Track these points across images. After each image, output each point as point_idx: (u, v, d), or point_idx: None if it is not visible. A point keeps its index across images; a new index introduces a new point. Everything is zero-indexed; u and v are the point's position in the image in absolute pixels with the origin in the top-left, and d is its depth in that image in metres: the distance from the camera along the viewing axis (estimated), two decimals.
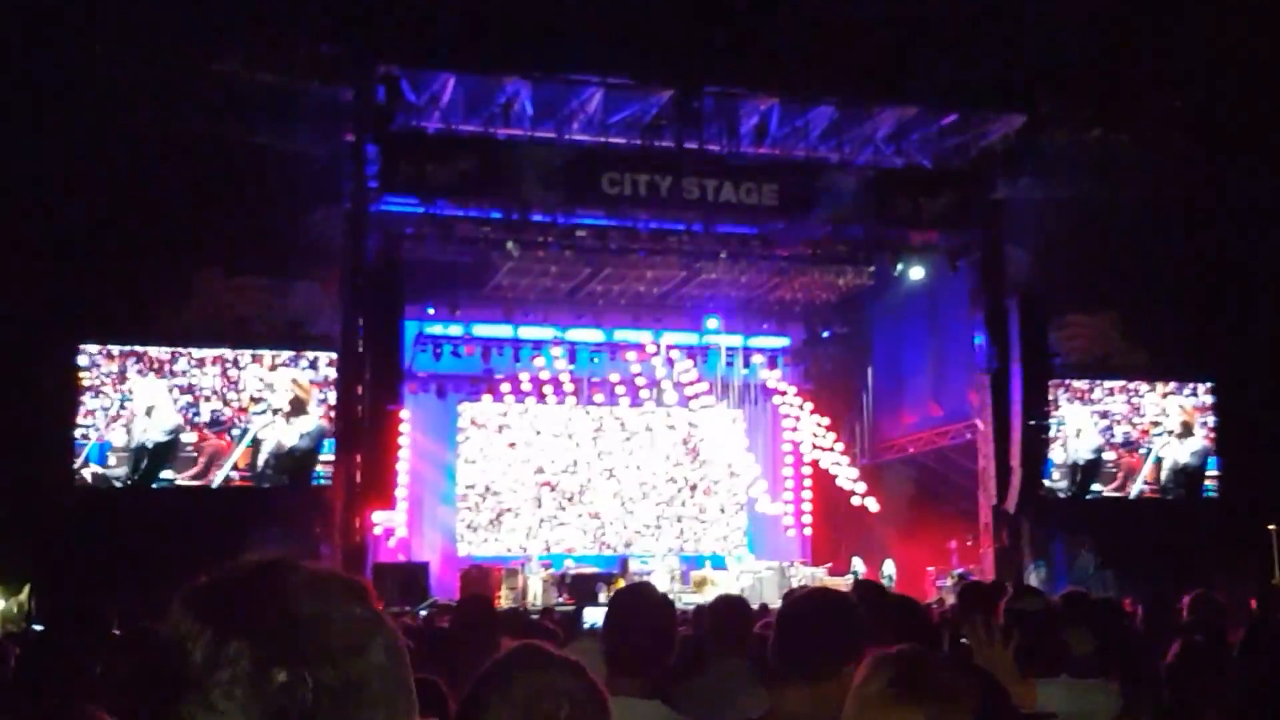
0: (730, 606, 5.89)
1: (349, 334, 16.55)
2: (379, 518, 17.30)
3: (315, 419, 16.84)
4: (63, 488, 15.74)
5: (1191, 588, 7.34)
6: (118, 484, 16.06)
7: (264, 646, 1.24)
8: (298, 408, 16.85)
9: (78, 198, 14.94)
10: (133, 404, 16.32)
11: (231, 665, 1.23)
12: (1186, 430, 19.49)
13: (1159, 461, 19.38)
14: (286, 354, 16.85)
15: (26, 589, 15.07)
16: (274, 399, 16.76)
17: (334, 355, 16.75)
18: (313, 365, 16.93)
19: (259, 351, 16.83)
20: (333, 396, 16.73)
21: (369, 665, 1.29)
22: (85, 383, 16.16)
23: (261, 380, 16.80)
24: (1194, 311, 18.68)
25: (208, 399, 16.60)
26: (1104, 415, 19.36)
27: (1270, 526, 16.90)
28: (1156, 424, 19.44)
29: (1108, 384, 19.37)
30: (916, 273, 19.58)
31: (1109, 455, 19.31)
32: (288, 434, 16.76)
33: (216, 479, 16.46)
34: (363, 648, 1.29)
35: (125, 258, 15.52)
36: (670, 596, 14.47)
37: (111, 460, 16.13)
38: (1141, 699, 4.43)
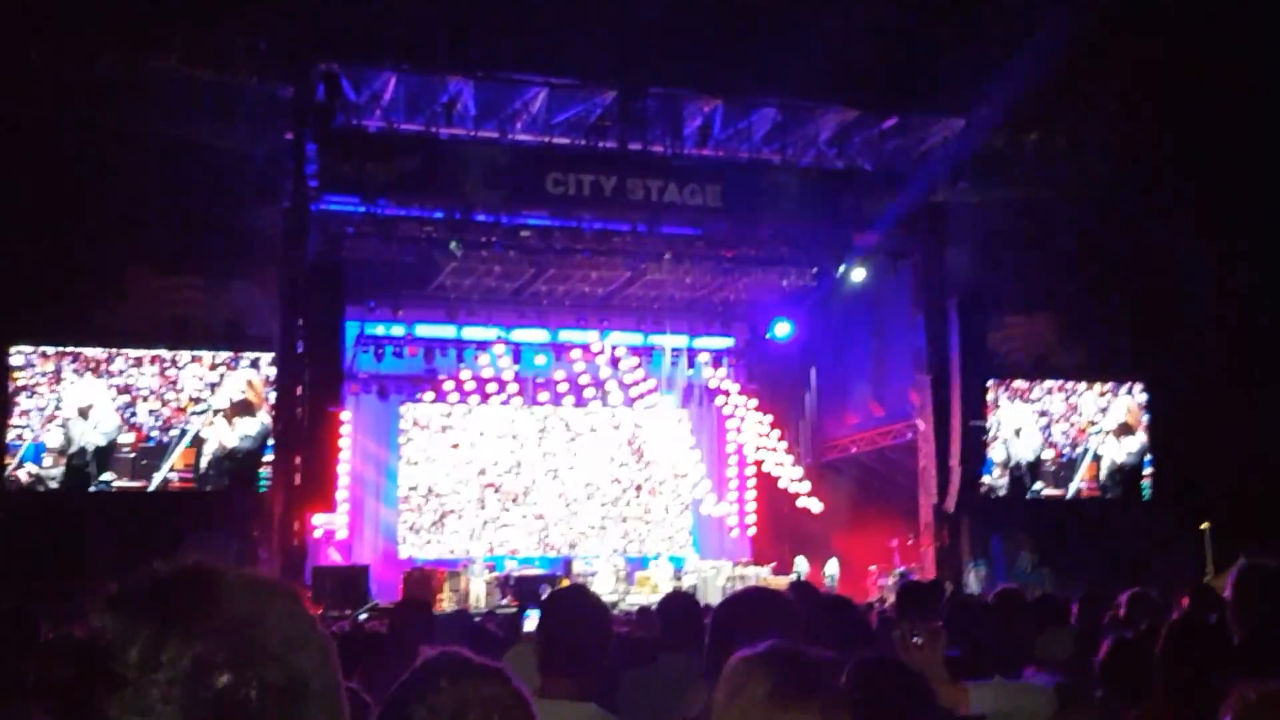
0: (680, 602, 5.89)
1: (288, 334, 16.38)
2: (319, 520, 17.17)
3: (260, 420, 16.65)
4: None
5: (1127, 586, 7.40)
6: (53, 485, 15.74)
7: (204, 646, 1.21)
8: (243, 409, 16.67)
9: (8, 195, 14.61)
10: (67, 405, 16.01)
11: (170, 666, 1.20)
12: (1126, 429, 19.76)
13: (1097, 460, 19.63)
14: (226, 354, 16.64)
15: None
16: (214, 399, 16.54)
17: (272, 355, 16.55)
18: (254, 365, 16.72)
19: (198, 352, 16.60)
20: (274, 397, 16.53)
21: (309, 663, 1.28)
22: (20, 382, 15.84)
23: (201, 380, 16.58)
24: (1128, 313, 19.00)
25: (145, 399, 16.33)
26: (1043, 414, 19.58)
27: (1203, 525, 17.14)
28: (1094, 423, 19.68)
29: (1046, 383, 19.62)
30: (858, 274, 19.71)
31: (1048, 454, 19.53)
32: (229, 435, 16.56)
33: (155, 481, 16.18)
34: (302, 646, 1.28)
35: (58, 257, 15.24)
36: (614, 597, 14.55)
37: (47, 461, 15.82)
38: (1076, 698, 4.42)
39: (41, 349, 16.02)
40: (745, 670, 2.36)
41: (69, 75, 14.78)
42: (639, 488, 23.65)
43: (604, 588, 18.97)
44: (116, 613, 1.25)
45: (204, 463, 16.43)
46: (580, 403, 22.96)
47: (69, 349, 16.10)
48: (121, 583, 1.29)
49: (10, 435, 15.68)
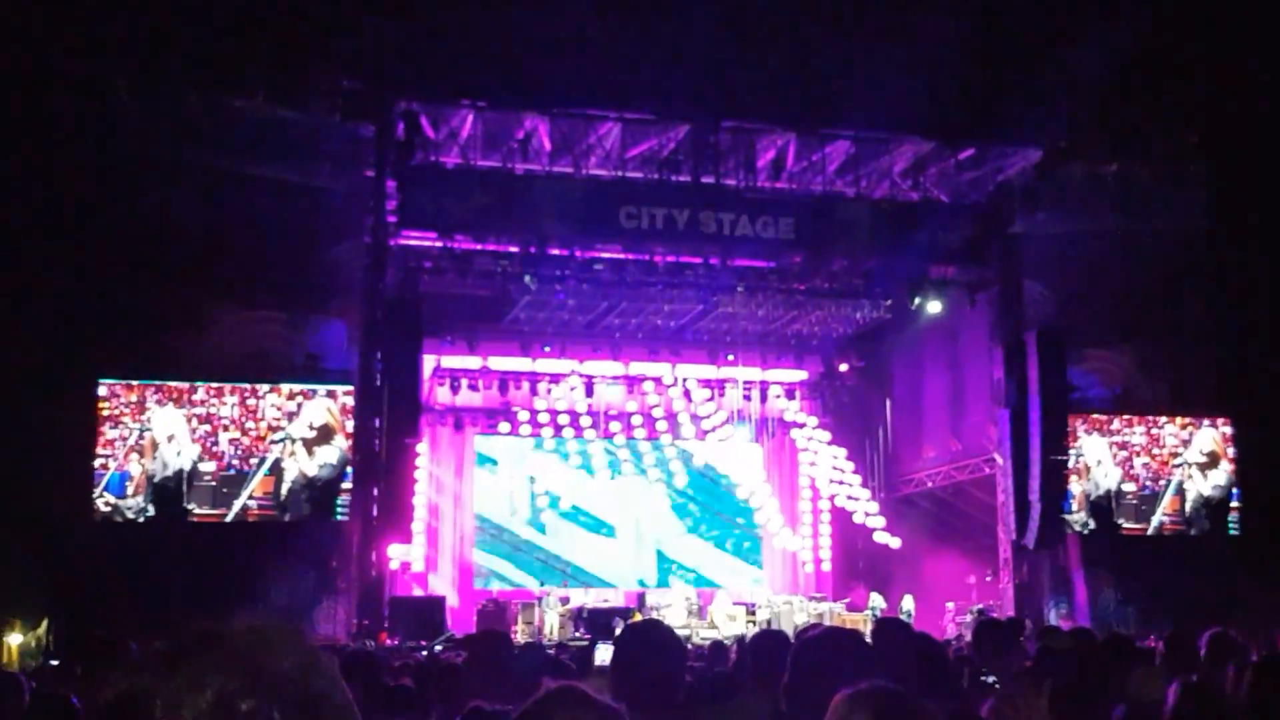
0: (770, 640, 5.79)
1: (367, 367, 16.57)
2: (395, 552, 17.21)
3: (338, 449, 16.88)
4: (81, 521, 15.72)
5: (1213, 625, 7.17)
6: (133, 515, 16.05)
7: (221, 682, 1.32)
8: (323, 437, 16.93)
9: (99, 233, 14.99)
10: (151, 433, 16.34)
11: (192, 704, 1.31)
12: (1212, 462, 19.32)
13: (1181, 494, 19.23)
14: (305, 386, 16.91)
15: (45, 623, 15.01)
16: (293, 428, 16.81)
17: (351, 388, 16.76)
18: (330, 395, 16.97)
19: (278, 384, 16.88)
20: (352, 428, 16.74)
21: (322, 682, 1.39)
22: (105, 412, 16.20)
23: (280, 409, 16.88)
24: (1211, 345, 18.59)
25: (225, 428, 16.62)
26: (1123, 447, 19.24)
27: None
28: (1176, 455, 19.29)
29: (1127, 415, 19.31)
30: (934, 307, 19.48)
31: (1129, 487, 19.20)
32: (309, 464, 16.83)
33: (234, 509, 16.46)
34: (313, 669, 1.39)
35: (144, 292, 15.58)
36: (685, 631, 14.41)
37: (129, 490, 16.14)
38: None
39: (127, 382, 16.37)
40: (849, 707, 2.35)
41: (159, 114, 15.13)
42: (712, 520, 23.66)
43: (675, 621, 18.83)
44: (141, 675, 1.36)
45: (283, 491, 16.67)
46: (652, 435, 23.00)
47: (153, 382, 16.42)
48: (142, 649, 1.45)
49: (96, 463, 16.01)
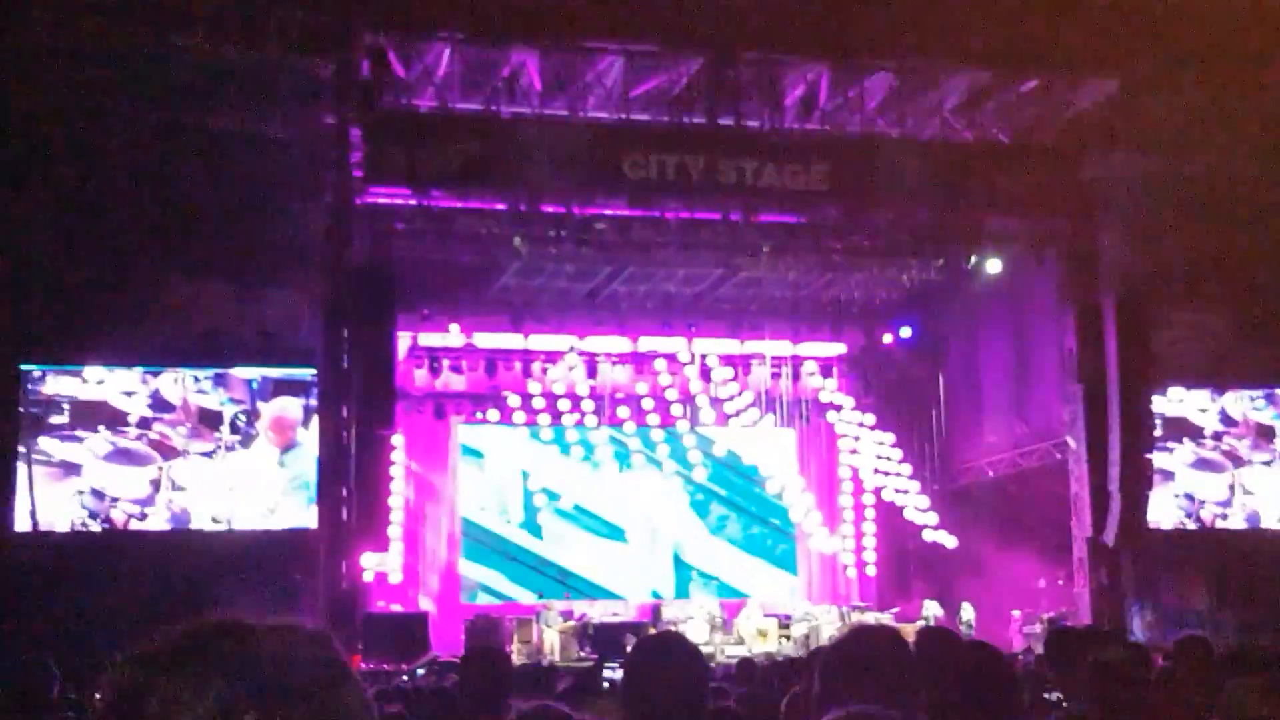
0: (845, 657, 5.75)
1: (332, 347, 16.67)
2: (370, 561, 17.40)
3: (300, 449, 17.14)
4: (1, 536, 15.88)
5: None
6: (66, 529, 16.21)
7: (225, 687, 1.31)
8: (280, 434, 17.18)
9: (15, 196, 15.02)
10: (87, 438, 16.51)
11: (188, 710, 1.30)
12: None
13: None
14: (260, 372, 17.04)
15: None
16: (250, 426, 17.02)
17: (313, 372, 16.92)
18: (291, 390, 17.14)
19: (230, 370, 17.02)
20: (315, 423, 16.91)
21: (340, 706, 1.37)
22: (33, 409, 16.34)
23: (236, 405, 17.08)
24: None
25: (173, 427, 16.78)
26: (1221, 426, 19.33)
27: None
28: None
29: (1224, 391, 19.41)
30: (994, 266, 19.64)
31: (1224, 476, 19.23)
32: (267, 466, 17.04)
33: (183, 520, 16.74)
34: (334, 686, 1.38)
35: (73, 263, 15.60)
36: (709, 649, 14.57)
37: (59, 501, 16.28)
38: None
39: (56, 369, 16.48)
40: None
41: (86, 58, 15.13)
42: (738, 519, 23.89)
43: (697, 636, 18.91)
44: (130, 668, 1.35)
45: (237, 498, 16.86)
46: (667, 421, 23.13)
47: (82, 370, 16.53)
48: (136, 641, 1.37)
49: (20, 474, 16.14)
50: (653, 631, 17.14)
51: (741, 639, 19.83)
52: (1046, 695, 5.96)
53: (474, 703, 6.04)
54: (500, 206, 17.56)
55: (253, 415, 17.24)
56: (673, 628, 18.71)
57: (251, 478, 17.08)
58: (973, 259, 19.61)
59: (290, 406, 17.37)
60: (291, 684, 1.35)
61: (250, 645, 1.37)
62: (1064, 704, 5.61)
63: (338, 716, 1.36)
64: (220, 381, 17.24)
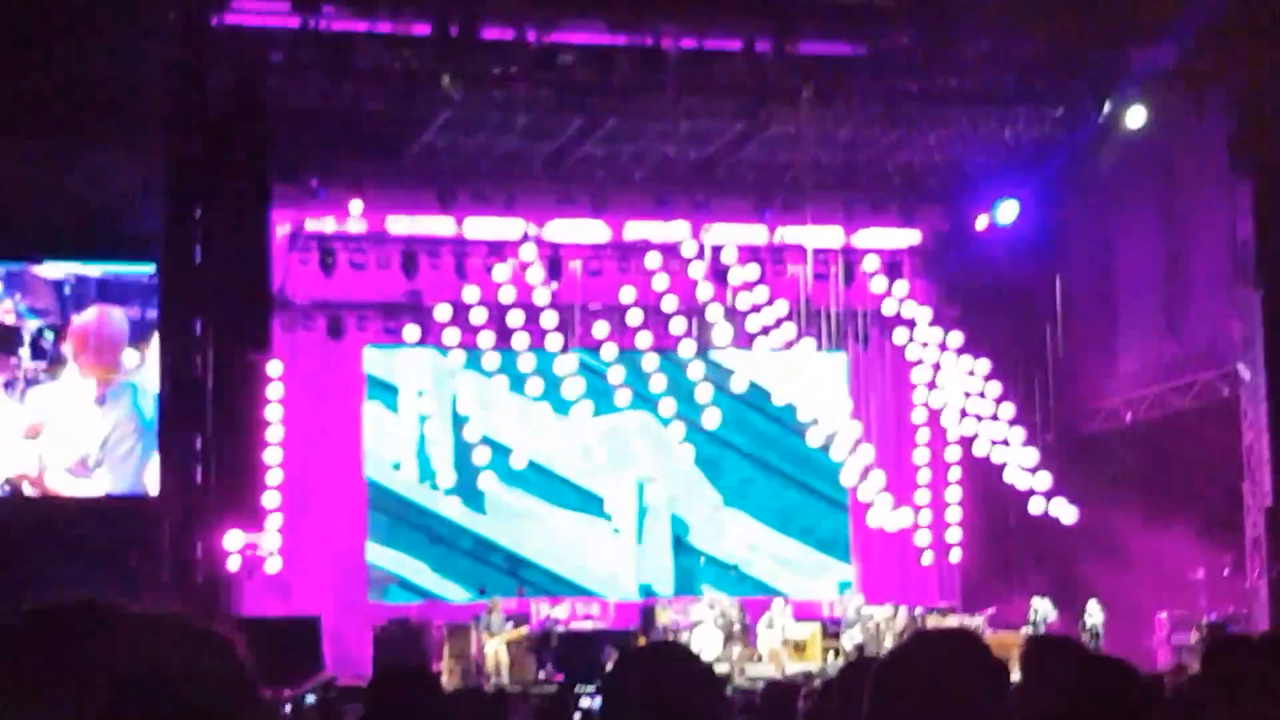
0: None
1: (179, 233, 16.90)
2: (236, 543, 17.60)
3: (128, 385, 17.15)
4: None
5: None
6: None
7: (83, 694, 1.36)
8: (100, 362, 17.32)
9: None
10: None
11: None
12: None
13: None
14: (73, 267, 17.11)
15: None
16: (59, 352, 17.13)
17: (153, 270, 17.16)
18: (122, 295, 17.20)
19: (26, 269, 17.37)
20: (155, 344, 17.08)
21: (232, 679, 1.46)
22: None
23: (25, 318, 17.19)
24: None
25: None
26: None
27: None
28: None
29: None
30: (1136, 117, 19.71)
31: None
32: (78, 406, 17.16)
33: None
34: (236, 709, 1.43)
35: None
36: (724, 667, 14.68)
37: None
38: None
39: None
40: None
41: None
42: (762, 484, 24.16)
43: (706, 649, 19.29)
44: None
45: (43, 450, 16.99)
46: (664, 343, 23.27)
47: None
48: None
49: None
50: (643, 643, 17.32)
51: (769, 654, 20.13)
52: None
53: None
54: (422, 30, 17.69)
55: (63, 332, 17.36)
56: (671, 637, 18.99)
57: (62, 422, 17.21)
58: (1106, 107, 19.69)
59: (114, 320, 17.43)
60: (181, 698, 1.39)
61: (124, 641, 1.40)
62: None
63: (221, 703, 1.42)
64: (15, 283, 17.30)
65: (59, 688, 1.38)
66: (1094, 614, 20.29)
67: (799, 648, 20.16)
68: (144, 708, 1.38)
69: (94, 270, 17.64)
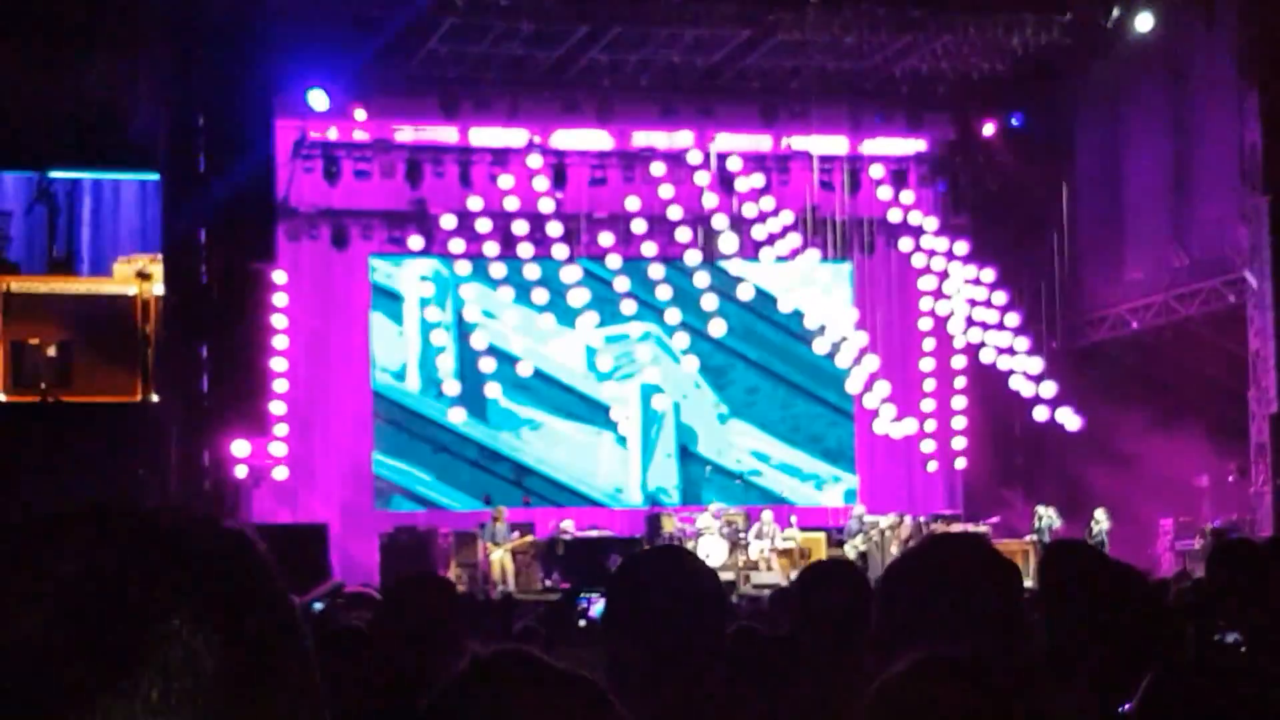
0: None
1: (180, 139, 16.97)
2: (242, 451, 17.69)
3: (131, 284, 17.25)
4: None
5: None
6: None
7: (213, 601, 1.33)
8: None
9: None
10: None
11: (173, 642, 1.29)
12: None
13: None
14: (71, 174, 17.23)
15: None
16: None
17: (155, 177, 17.16)
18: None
19: (38, 174, 17.54)
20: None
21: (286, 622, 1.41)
22: None
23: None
24: None
25: None
26: None
27: None
28: None
29: None
30: (1144, 24, 19.72)
31: None
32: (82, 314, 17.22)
33: None
34: (276, 598, 1.40)
35: None
36: (729, 575, 14.65)
37: None
38: None
39: None
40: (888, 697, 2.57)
41: None
42: (768, 393, 24.30)
43: (712, 557, 19.34)
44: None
45: (36, 361, 16.96)
46: (670, 252, 23.39)
47: None
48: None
49: None
50: (647, 549, 17.45)
51: (772, 562, 20.27)
52: (1221, 638, 6.01)
53: (397, 650, 6.13)
54: None
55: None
56: (681, 541, 19.18)
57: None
58: (1114, 13, 19.74)
59: None
60: (222, 578, 1.35)
61: (149, 521, 1.34)
62: (1244, 649, 5.72)
63: (287, 639, 1.37)
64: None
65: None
66: (1100, 521, 20.41)
67: (803, 555, 20.20)
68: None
69: (92, 176, 17.79)
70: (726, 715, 4.15)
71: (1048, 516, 20.65)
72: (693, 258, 23.40)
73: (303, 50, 19.46)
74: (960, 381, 24.09)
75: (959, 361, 24.02)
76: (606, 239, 23.15)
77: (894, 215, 24.03)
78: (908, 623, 3.63)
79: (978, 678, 2.70)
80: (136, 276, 17.28)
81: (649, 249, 23.30)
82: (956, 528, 20.64)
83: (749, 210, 23.18)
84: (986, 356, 23.29)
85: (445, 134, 22.30)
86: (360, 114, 21.40)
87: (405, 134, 22.31)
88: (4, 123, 17.16)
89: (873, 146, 23.78)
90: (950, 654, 2.73)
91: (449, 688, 2.23)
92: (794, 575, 18.74)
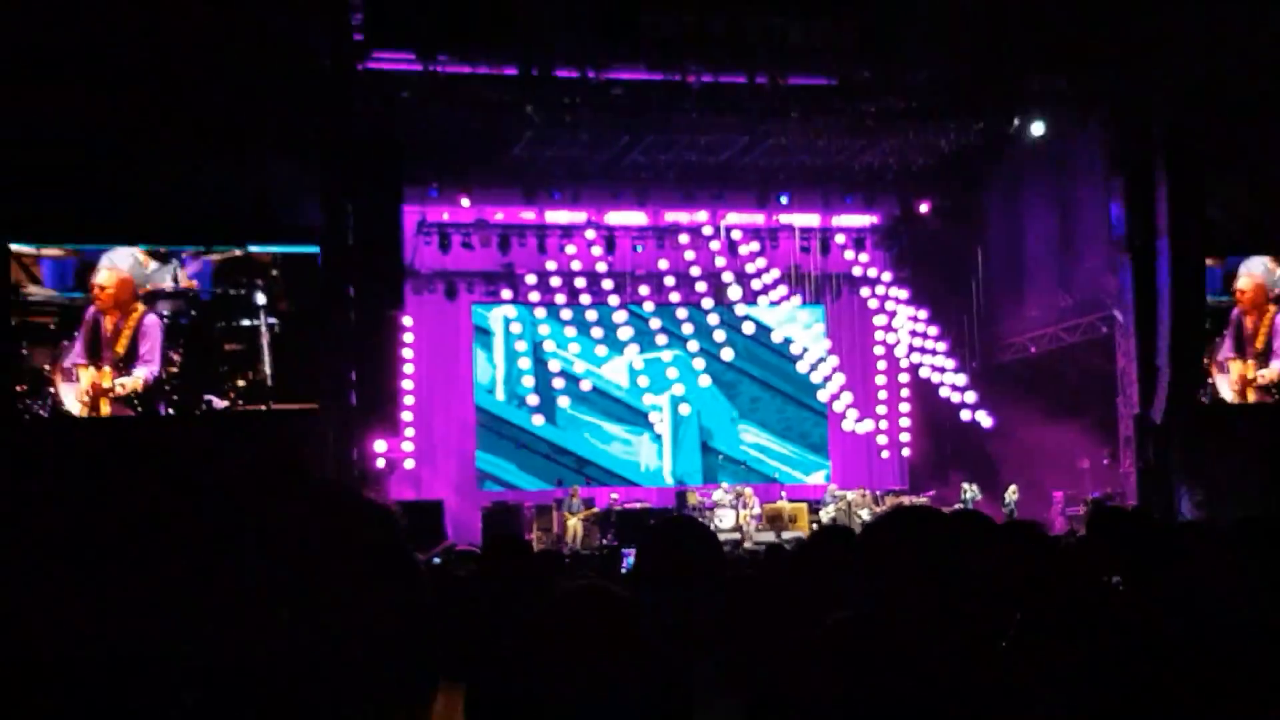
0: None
1: (335, 222, 16.82)
2: (380, 448, 17.68)
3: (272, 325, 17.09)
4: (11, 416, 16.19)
5: None
6: (71, 410, 16.50)
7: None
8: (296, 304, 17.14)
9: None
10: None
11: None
12: None
13: None
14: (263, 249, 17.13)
15: None
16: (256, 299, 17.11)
17: (314, 250, 16.90)
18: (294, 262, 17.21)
19: (230, 249, 17.00)
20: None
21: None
22: (31, 296, 16.51)
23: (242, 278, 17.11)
24: None
25: (169, 297, 16.91)
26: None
27: None
28: None
29: None
30: (1038, 129, 19.63)
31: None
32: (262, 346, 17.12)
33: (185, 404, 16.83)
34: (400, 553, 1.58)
35: (60, 141, 15.58)
36: (737, 535, 14.76)
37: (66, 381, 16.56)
38: None
39: (46, 248, 16.63)
40: (826, 639, 2.50)
41: None
42: (765, 402, 24.27)
43: (724, 524, 19.69)
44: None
45: (241, 381, 16.85)
46: (690, 299, 23.33)
47: (75, 248, 16.67)
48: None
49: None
50: (666, 519, 17.47)
51: (772, 523, 20.22)
52: (1107, 578, 5.92)
53: (498, 590, 6.15)
54: (511, 71, 17.53)
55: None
56: (699, 515, 19.29)
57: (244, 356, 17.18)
58: (1014, 122, 19.60)
59: None
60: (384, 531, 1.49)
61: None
62: (1119, 585, 5.67)
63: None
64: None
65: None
66: (1011, 494, 20.45)
67: (792, 520, 20.24)
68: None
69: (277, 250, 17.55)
70: (722, 637, 4.09)
71: (971, 490, 20.72)
72: (707, 303, 23.37)
73: (425, 155, 19.47)
74: (905, 392, 24.01)
75: (904, 377, 23.91)
76: (644, 290, 23.14)
77: (856, 270, 23.95)
78: (881, 566, 3.55)
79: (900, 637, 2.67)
80: None
81: (675, 297, 23.30)
82: (904, 499, 20.63)
83: (749, 268, 23.14)
84: (924, 373, 23.23)
85: (526, 215, 22.31)
86: (465, 202, 21.40)
87: (498, 215, 22.28)
88: (205, 215, 16.96)
89: (839, 220, 23.73)
90: (871, 613, 2.81)
91: (547, 607, 2.37)
92: (784, 535, 18.90)
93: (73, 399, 16.34)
